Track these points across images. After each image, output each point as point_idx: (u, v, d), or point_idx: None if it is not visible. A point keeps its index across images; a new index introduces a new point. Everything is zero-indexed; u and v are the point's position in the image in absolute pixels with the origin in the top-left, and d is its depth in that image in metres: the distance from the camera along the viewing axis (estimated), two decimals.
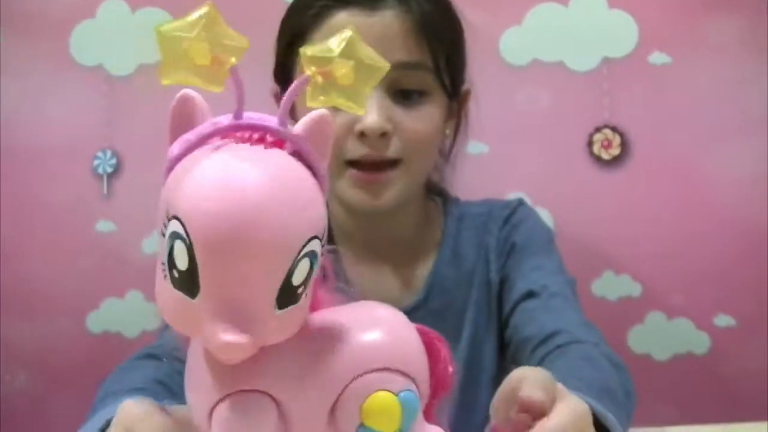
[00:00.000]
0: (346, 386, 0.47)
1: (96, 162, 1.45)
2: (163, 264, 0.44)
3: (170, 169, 0.45)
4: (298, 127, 0.47)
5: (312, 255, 0.43)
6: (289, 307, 0.44)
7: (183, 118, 0.47)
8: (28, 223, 1.46)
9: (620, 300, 1.42)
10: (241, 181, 0.42)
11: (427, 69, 1.03)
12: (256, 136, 0.45)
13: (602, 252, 1.42)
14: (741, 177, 1.41)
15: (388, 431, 0.47)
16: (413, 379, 0.49)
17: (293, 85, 0.45)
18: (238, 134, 0.45)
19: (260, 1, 1.33)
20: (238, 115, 0.46)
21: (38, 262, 1.46)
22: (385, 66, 0.46)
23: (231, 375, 0.45)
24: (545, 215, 1.40)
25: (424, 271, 1.14)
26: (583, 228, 1.42)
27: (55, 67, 1.47)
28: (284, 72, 1.10)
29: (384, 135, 0.99)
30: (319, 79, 0.45)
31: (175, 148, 0.46)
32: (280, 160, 0.44)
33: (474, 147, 1.40)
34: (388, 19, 1.02)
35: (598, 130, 1.41)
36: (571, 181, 1.42)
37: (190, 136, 0.46)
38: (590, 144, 1.41)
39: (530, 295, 1.08)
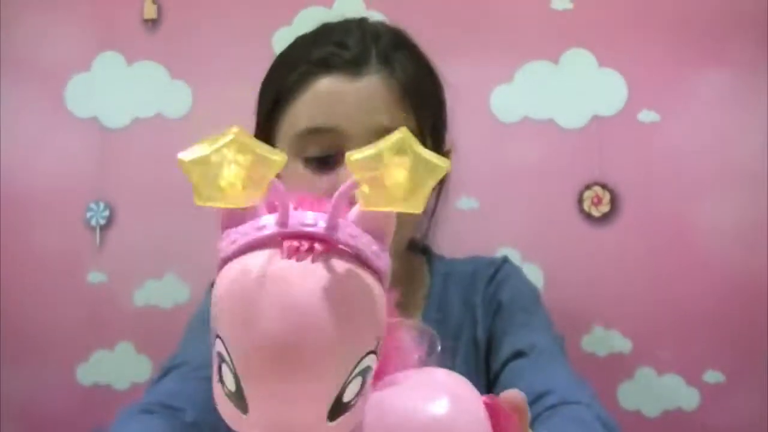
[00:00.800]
0: None
1: (89, 214, 1.46)
2: (220, 381, 0.43)
3: (220, 267, 0.45)
4: (353, 216, 0.44)
5: (365, 371, 0.42)
6: (341, 417, 0.43)
7: (232, 220, 0.46)
8: (20, 272, 1.46)
9: (610, 356, 1.42)
10: (282, 308, 0.40)
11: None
12: (304, 246, 0.42)
13: (592, 307, 1.42)
14: (731, 232, 1.42)
15: None
16: None
17: (341, 188, 0.43)
18: (286, 245, 0.43)
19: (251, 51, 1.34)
20: (283, 223, 0.43)
21: (29, 312, 1.46)
22: (445, 166, 0.43)
23: None
24: (535, 271, 1.41)
25: None
26: (573, 284, 1.42)
27: (50, 118, 1.48)
28: (265, 135, 1.09)
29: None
30: (366, 188, 0.42)
31: (226, 247, 0.45)
32: (327, 276, 0.41)
33: (464, 202, 1.42)
34: (372, 84, 1.03)
35: (588, 187, 1.42)
36: (561, 237, 1.43)
37: (238, 237, 0.45)
38: (580, 201, 1.42)
39: (519, 354, 1.08)
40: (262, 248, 0.43)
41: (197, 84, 1.47)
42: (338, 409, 0.42)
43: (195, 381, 1.05)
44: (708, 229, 1.42)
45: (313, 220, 0.43)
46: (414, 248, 1.20)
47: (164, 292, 1.44)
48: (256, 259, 0.43)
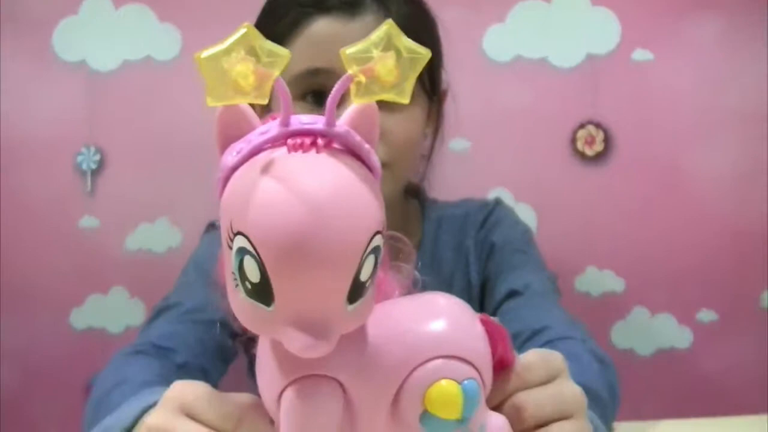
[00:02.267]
0: (410, 374, 0.48)
1: (79, 158, 1.45)
2: (233, 274, 0.44)
3: (225, 179, 0.46)
4: (344, 121, 0.47)
5: (376, 250, 0.44)
6: (359, 301, 0.45)
7: (231, 127, 0.47)
8: (11, 219, 1.46)
9: (603, 296, 1.43)
10: (302, 192, 0.42)
11: None
12: (307, 141, 0.45)
13: (585, 248, 1.43)
14: (723, 173, 1.42)
15: (450, 419, 0.48)
16: (476, 368, 0.49)
17: (337, 87, 0.45)
18: (290, 141, 0.45)
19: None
20: (285, 122, 0.46)
21: (21, 259, 1.46)
22: (426, 54, 0.46)
23: (298, 361, 0.46)
24: (528, 211, 1.41)
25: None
26: (567, 224, 1.42)
27: (38, 64, 1.46)
28: None
29: None
30: (362, 78, 0.45)
31: (228, 159, 0.46)
32: (335, 163, 0.44)
33: (457, 144, 1.41)
34: (368, 25, 1.01)
35: (581, 126, 1.41)
36: (554, 177, 1.43)
37: (241, 145, 0.46)
38: (573, 140, 1.41)
39: (513, 294, 1.08)
40: (267, 150, 0.46)
41: (186, 27, 1.45)
42: (356, 291, 0.44)
43: (187, 324, 1.06)
44: (702, 169, 1.42)
45: (312, 119, 0.46)
46: (408, 192, 1.19)
47: (157, 236, 1.44)
48: (266, 158, 0.45)
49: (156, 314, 1.11)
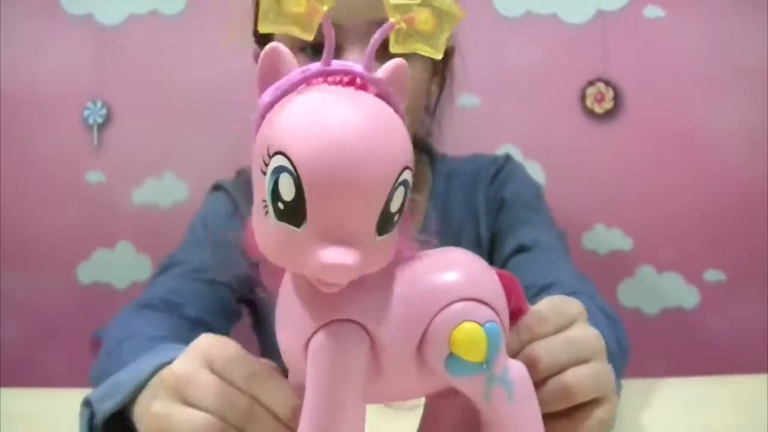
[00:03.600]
0: (434, 317, 0.49)
1: (86, 113, 1.44)
2: (264, 201, 0.45)
3: (262, 116, 0.47)
4: (381, 73, 0.49)
5: (405, 184, 0.46)
6: (387, 235, 0.46)
7: (271, 69, 0.48)
8: (18, 173, 1.46)
9: (611, 253, 1.42)
10: (343, 117, 0.44)
11: None
12: (346, 79, 0.47)
13: (593, 206, 1.42)
14: (733, 131, 1.41)
15: (475, 361, 0.49)
16: (496, 312, 0.50)
17: (380, 31, 0.47)
18: (330, 79, 0.47)
19: None
20: (327, 62, 0.47)
21: (28, 213, 1.46)
22: (461, 14, 0.47)
23: (326, 306, 0.47)
24: (537, 168, 1.40)
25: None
26: (575, 181, 1.42)
27: (45, 17, 1.45)
28: (264, 35, 1.07)
29: None
30: (403, 26, 0.47)
31: (267, 96, 0.47)
32: (371, 100, 0.46)
33: (466, 100, 1.40)
34: None
35: (591, 83, 1.40)
36: (563, 134, 1.42)
37: (282, 82, 0.47)
38: (583, 98, 1.40)
39: (522, 249, 1.08)
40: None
41: None
42: (386, 222, 0.45)
43: (195, 282, 1.06)
44: (712, 128, 1.41)
45: (351, 64, 0.48)
46: (416, 147, 1.18)
47: (163, 191, 1.44)
48: (307, 89, 0.47)
49: (162, 270, 1.11)
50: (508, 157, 1.21)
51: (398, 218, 0.46)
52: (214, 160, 1.28)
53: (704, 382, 1.04)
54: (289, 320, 0.50)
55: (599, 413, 0.59)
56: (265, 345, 1.21)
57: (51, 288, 1.46)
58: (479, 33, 1.40)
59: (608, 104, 1.40)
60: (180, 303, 1.02)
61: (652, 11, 1.40)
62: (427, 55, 0.47)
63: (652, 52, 1.41)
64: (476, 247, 1.13)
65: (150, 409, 0.58)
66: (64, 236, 1.46)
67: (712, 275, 1.42)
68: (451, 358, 0.49)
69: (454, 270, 0.51)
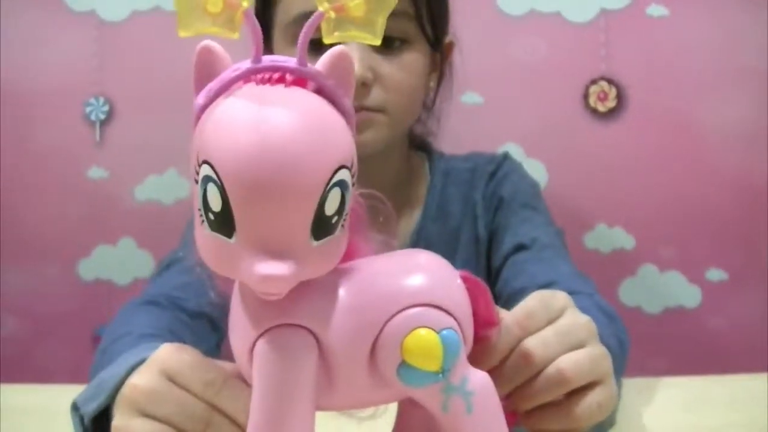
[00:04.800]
0: (386, 322, 0.47)
1: (88, 109, 1.44)
2: (199, 210, 0.44)
3: (198, 118, 0.46)
4: (319, 65, 0.47)
5: (342, 184, 0.44)
6: (326, 239, 0.44)
7: (205, 69, 0.47)
8: (19, 169, 1.45)
9: (613, 252, 1.42)
10: (263, 119, 0.43)
11: (408, 17, 1.01)
12: (275, 76, 0.46)
13: (595, 204, 1.42)
14: (736, 131, 1.41)
15: (429, 369, 0.47)
16: (456, 320, 0.48)
17: (309, 22, 0.45)
18: (259, 77, 0.46)
19: None
20: (256, 59, 0.46)
21: (29, 209, 1.46)
22: None
23: (270, 310, 0.46)
24: (539, 167, 1.40)
25: (408, 227, 1.13)
26: (577, 180, 1.41)
27: (48, 13, 1.45)
28: (262, 28, 1.07)
29: (364, 85, 0.98)
30: (332, 14, 0.45)
31: (201, 98, 0.46)
32: (300, 96, 0.45)
33: (469, 98, 1.40)
34: None
35: (594, 82, 1.40)
36: (565, 133, 1.42)
37: (213, 84, 0.46)
38: (586, 96, 1.40)
39: (520, 248, 1.07)
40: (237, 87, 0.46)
41: None
42: (322, 225, 0.44)
43: (200, 276, 1.06)
44: (714, 127, 1.41)
45: (284, 59, 0.47)
46: (414, 145, 1.18)
47: (165, 187, 1.44)
48: (234, 92, 0.45)
49: (165, 267, 1.11)
50: (506, 156, 1.20)
51: (338, 220, 0.45)
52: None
53: (705, 381, 1.04)
54: (238, 325, 0.49)
55: (596, 396, 0.59)
56: None
57: (52, 284, 1.46)
58: (482, 30, 1.40)
59: (611, 103, 1.40)
60: (181, 297, 1.01)
61: (655, 9, 1.40)
62: (365, 42, 0.46)
63: (655, 50, 1.41)
64: (474, 246, 1.13)
65: (112, 423, 0.58)
66: (65, 232, 1.45)
67: (714, 274, 1.42)
68: (404, 367, 0.47)
69: (411, 273, 0.49)
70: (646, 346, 1.41)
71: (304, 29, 0.46)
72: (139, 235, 1.44)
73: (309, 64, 0.47)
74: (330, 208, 0.44)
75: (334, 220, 0.44)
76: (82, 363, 1.43)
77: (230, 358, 0.54)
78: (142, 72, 1.44)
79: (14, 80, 1.45)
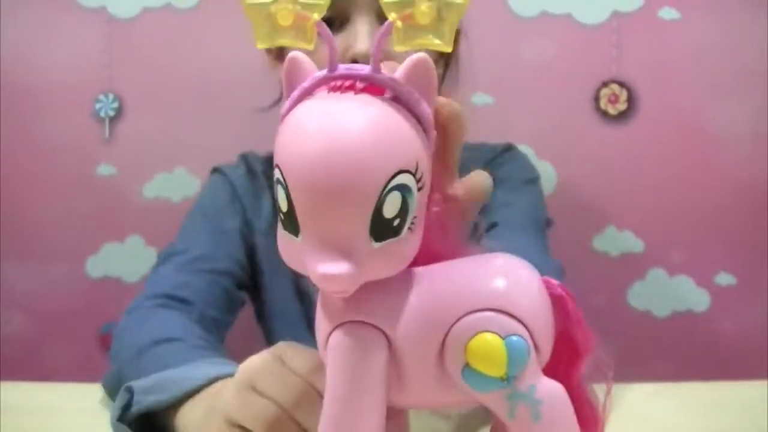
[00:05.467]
0: (453, 324, 0.47)
1: (98, 105, 1.44)
2: (279, 210, 0.47)
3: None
4: (398, 73, 0.48)
5: (403, 188, 0.45)
6: (388, 240, 0.45)
7: (291, 78, 0.49)
8: (28, 165, 1.45)
9: (622, 256, 1.42)
10: (322, 126, 0.44)
11: None
12: (346, 84, 0.47)
13: (605, 207, 1.41)
14: (747, 134, 1.40)
15: (492, 375, 0.47)
16: (526, 327, 0.47)
17: (380, 31, 0.47)
18: (332, 84, 0.47)
19: None
20: (332, 68, 0.48)
21: (37, 205, 1.46)
22: (465, 2, 0.46)
23: (344, 307, 0.48)
24: (549, 169, 1.40)
25: None
26: (587, 183, 1.41)
27: (58, 8, 1.45)
28: None
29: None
30: (400, 23, 0.46)
31: (284, 106, 0.49)
32: (364, 102, 0.46)
33: (479, 98, 1.40)
34: None
35: (605, 84, 1.40)
36: (576, 135, 1.41)
37: (295, 92, 0.48)
38: (597, 98, 1.40)
39: (491, 227, 1.07)
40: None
41: None
42: (382, 227, 0.45)
43: (197, 273, 1.08)
44: (725, 131, 1.40)
45: (359, 67, 0.48)
46: None
47: (174, 185, 1.43)
48: (308, 99, 0.47)
49: (163, 260, 1.12)
50: (509, 145, 1.21)
51: (401, 223, 0.45)
52: (226, 155, 1.28)
53: (713, 387, 1.04)
54: (319, 318, 0.50)
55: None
56: (269, 333, 1.21)
57: (59, 281, 1.46)
58: (493, 32, 1.39)
59: (622, 106, 1.39)
60: (188, 300, 1.03)
61: (667, 12, 1.39)
62: (434, 49, 0.47)
63: (666, 53, 1.40)
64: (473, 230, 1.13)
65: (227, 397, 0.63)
66: (73, 229, 1.45)
67: (723, 278, 1.42)
68: (468, 370, 0.47)
69: (484, 277, 0.49)
70: (654, 350, 1.41)
71: (376, 39, 0.47)
72: (147, 233, 1.44)
73: (384, 71, 0.48)
74: (389, 211, 0.45)
75: (395, 223, 0.45)
76: (87, 361, 1.44)
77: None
78: (152, 69, 1.44)
79: (23, 76, 1.45)
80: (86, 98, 1.45)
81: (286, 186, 0.45)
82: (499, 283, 0.49)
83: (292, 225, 0.46)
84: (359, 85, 0.47)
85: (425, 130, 0.48)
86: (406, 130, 0.46)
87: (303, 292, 1.16)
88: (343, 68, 0.48)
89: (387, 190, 0.44)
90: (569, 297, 0.51)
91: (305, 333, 1.14)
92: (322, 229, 0.44)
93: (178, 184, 1.43)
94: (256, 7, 0.46)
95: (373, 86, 0.47)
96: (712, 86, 1.40)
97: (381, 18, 0.99)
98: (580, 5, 1.40)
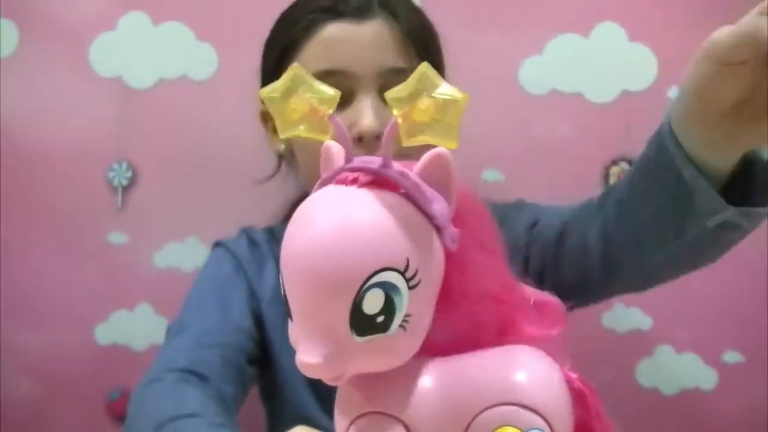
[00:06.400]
0: (476, 416, 0.48)
1: (111, 174, 1.45)
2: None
3: None
4: (417, 167, 0.49)
5: (385, 285, 0.46)
6: (374, 336, 0.46)
7: (324, 166, 0.52)
8: (40, 230, 1.46)
9: (630, 333, 1.42)
10: (309, 221, 0.47)
11: None
12: (350, 177, 0.48)
13: None
14: None
15: None
16: (547, 421, 0.49)
17: (387, 129, 0.48)
18: (339, 177, 0.49)
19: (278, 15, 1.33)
20: (348, 160, 0.50)
21: (47, 270, 1.46)
22: (464, 98, 0.47)
23: (363, 398, 0.49)
24: None
25: None
26: None
27: (74, 76, 1.46)
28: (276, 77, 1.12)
29: (379, 138, 1.00)
30: (400, 120, 0.47)
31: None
32: (363, 197, 0.47)
33: (489, 175, 1.41)
34: (377, 28, 1.08)
35: (614, 162, 1.41)
36: None
37: (318, 182, 0.51)
38: (606, 176, 1.41)
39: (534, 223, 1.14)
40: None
41: (223, 46, 1.45)
42: (364, 323, 0.46)
43: (211, 348, 1.09)
44: None
45: (371, 159, 0.49)
46: None
47: (185, 255, 1.44)
48: (316, 191, 0.50)
49: (176, 332, 1.12)
50: (520, 200, 1.25)
51: (388, 320, 0.46)
52: (238, 226, 1.29)
53: None
54: (338, 409, 0.52)
55: None
56: (276, 404, 1.21)
57: (68, 347, 1.46)
58: (504, 108, 1.41)
59: None
60: (207, 376, 1.04)
61: (676, 92, 1.41)
62: (440, 145, 0.48)
63: None
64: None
65: None
66: (83, 295, 1.46)
67: (731, 356, 1.41)
68: None
69: (506, 370, 0.50)
70: (662, 428, 1.40)
71: (384, 136, 0.48)
72: (157, 302, 1.45)
73: (394, 166, 0.49)
74: (370, 307, 0.45)
75: (380, 320, 0.46)
76: (95, 428, 1.44)
77: None
78: (166, 139, 1.46)
79: (37, 141, 1.46)
80: (100, 166, 1.46)
81: (281, 272, 0.48)
82: (522, 376, 0.50)
83: (288, 309, 0.48)
84: (363, 178, 0.48)
85: (438, 227, 0.48)
86: (397, 228, 0.47)
87: None
88: (357, 161, 0.49)
89: (366, 287, 0.45)
90: (589, 391, 0.52)
91: (313, 405, 1.16)
92: (305, 317, 0.46)
93: (189, 254, 1.44)
94: (273, 101, 0.49)
95: (382, 180, 0.48)
96: None
97: (382, 94, 1.02)
98: (590, 84, 1.42)
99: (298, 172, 1.20)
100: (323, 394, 1.16)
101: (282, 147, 1.20)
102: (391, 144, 0.49)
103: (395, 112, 0.47)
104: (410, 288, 0.46)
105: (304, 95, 0.48)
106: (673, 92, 1.41)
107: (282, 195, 1.33)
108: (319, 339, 0.46)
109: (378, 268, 0.45)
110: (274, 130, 1.23)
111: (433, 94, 0.47)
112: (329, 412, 1.15)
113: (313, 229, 0.46)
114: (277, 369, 1.18)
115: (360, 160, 0.49)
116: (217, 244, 1.25)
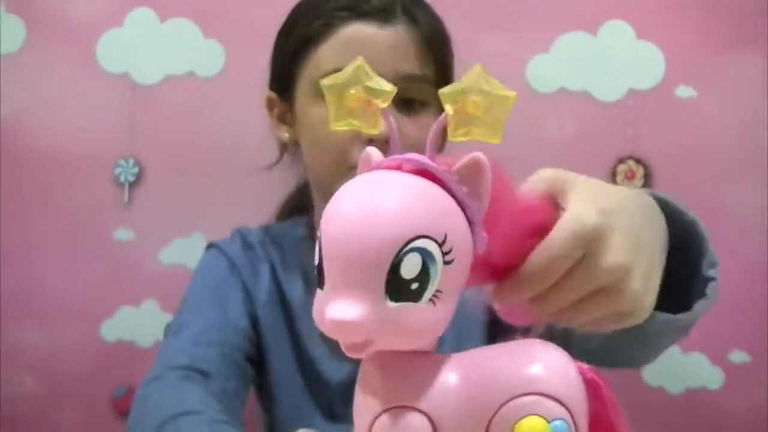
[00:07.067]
0: (500, 407, 0.49)
1: (118, 170, 1.45)
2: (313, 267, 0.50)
3: None
4: (457, 166, 0.50)
5: (423, 252, 0.46)
6: (405, 303, 0.47)
7: (362, 168, 0.53)
8: (46, 226, 1.46)
9: None
10: (353, 188, 0.49)
11: (430, 81, 1.08)
12: (394, 164, 0.50)
13: None
14: (760, 213, 1.41)
15: None
16: (570, 412, 0.49)
17: (436, 124, 0.50)
18: (384, 164, 0.51)
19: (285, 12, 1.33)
20: (393, 152, 0.52)
21: (53, 267, 1.47)
22: (512, 96, 0.50)
23: (387, 392, 0.49)
24: None
25: None
26: None
27: (81, 73, 1.47)
28: (285, 81, 1.14)
29: (388, 142, 1.00)
30: (453, 113, 0.49)
31: None
32: (402, 176, 0.49)
33: None
34: (399, 32, 1.08)
35: (621, 161, 1.41)
36: None
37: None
38: (613, 174, 1.41)
39: None
40: None
41: (230, 43, 1.46)
42: (399, 287, 0.46)
43: (211, 346, 1.09)
44: (739, 208, 1.41)
45: (415, 155, 0.51)
46: None
47: (191, 251, 1.43)
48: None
49: (176, 331, 1.12)
50: None
51: (420, 288, 0.47)
52: (244, 222, 1.29)
53: None
54: (359, 404, 0.51)
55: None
56: (271, 405, 1.20)
57: (74, 344, 1.46)
58: (512, 107, 1.40)
59: (639, 182, 1.40)
60: (209, 373, 1.04)
61: (684, 91, 1.41)
62: (485, 140, 0.50)
63: (682, 131, 1.42)
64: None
65: None
66: (89, 292, 1.46)
67: (737, 356, 1.41)
68: None
69: (527, 362, 0.51)
70: (668, 428, 1.40)
71: (433, 129, 0.50)
72: (162, 298, 1.45)
73: (437, 162, 0.50)
74: (407, 271, 0.46)
75: (414, 286, 0.46)
76: (100, 424, 1.44)
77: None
78: (173, 136, 1.46)
79: (44, 139, 1.47)
80: (106, 162, 1.46)
81: (320, 239, 0.48)
82: (541, 367, 0.50)
83: (320, 278, 0.48)
84: (407, 166, 0.50)
85: (470, 222, 0.50)
86: (437, 205, 0.48)
87: (306, 364, 1.17)
88: (398, 156, 0.51)
89: (406, 249, 0.46)
90: (603, 382, 0.53)
91: (308, 404, 1.15)
92: (341, 278, 0.46)
93: (195, 250, 1.42)
94: (332, 88, 0.51)
95: (424, 171, 0.50)
96: (727, 164, 1.41)
97: (396, 100, 1.01)
98: (597, 83, 1.42)
99: (302, 160, 1.20)
100: (320, 396, 1.16)
101: (287, 135, 1.19)
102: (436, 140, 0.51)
103: (447, 107, 0.49)
104: (445, 263, 0.47)
105: (362, 87, 0.50)
106: (680, 90, 1.41)
107: (287, 192, 1.33)
108: (355, 299, 0.46)
109: (420, 233, 0.46)
110: (279, 118, 1.24)
111: (485, 89, 0.49)
112: (326, 414, 1.16)
113: (361, 192, 0.48)
114: (271, 371, 1.17)
115: (404, 156, 0.51)
116: (211, 246, 1.25)
